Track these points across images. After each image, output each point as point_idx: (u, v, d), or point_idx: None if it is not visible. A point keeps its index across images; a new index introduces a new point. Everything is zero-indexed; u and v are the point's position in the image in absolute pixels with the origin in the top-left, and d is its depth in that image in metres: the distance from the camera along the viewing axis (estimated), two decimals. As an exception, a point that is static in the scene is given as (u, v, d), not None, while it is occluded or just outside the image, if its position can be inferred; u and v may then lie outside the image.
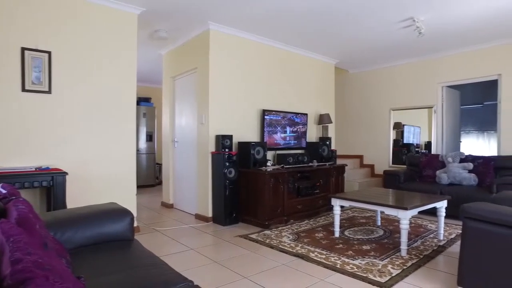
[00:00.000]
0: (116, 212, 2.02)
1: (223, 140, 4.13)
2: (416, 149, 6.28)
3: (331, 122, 5.64)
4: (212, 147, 4.27)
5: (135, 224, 3.69)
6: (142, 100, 7.54)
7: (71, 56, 3.28)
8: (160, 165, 7.32)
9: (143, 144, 7.47)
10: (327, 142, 5.25)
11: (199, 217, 4.42)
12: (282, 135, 4.94)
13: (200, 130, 4.44)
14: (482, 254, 1.98)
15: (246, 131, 4.63)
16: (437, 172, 4.81)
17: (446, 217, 3.53)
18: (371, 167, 6.69)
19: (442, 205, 3.38)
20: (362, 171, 6.55)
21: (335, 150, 5.48)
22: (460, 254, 2.09)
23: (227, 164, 4.08)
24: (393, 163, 6.37)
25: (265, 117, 4.70)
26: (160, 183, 7.38)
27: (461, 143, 6.79)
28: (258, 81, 4.81)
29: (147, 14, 3.85)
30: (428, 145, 6.03)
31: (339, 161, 5.68)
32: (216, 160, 4.18)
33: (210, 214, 4.29)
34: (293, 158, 4.66)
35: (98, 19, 3.46)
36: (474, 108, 8.01)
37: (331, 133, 5.92)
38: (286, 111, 5.03)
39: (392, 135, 6.44)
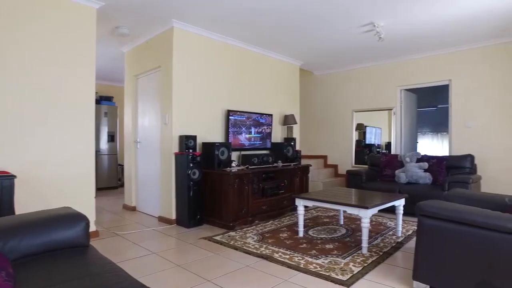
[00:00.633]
0: (69, 217, 1.90)
1: (187, 141, 4.05)
2: (377, 150, 6.53)
3: (296, 123, 5.72)
4: (175, 148, 4.17)
5: (94, 229, 3.52)
6: (103, 99, 7.21)
7: (23, 49, 3.04)
8: (122, 166, 7.04)
9: (104, 145, 7.13)
10: (292, 143, 5.31)
11: (163, 220, 4.30)
12: (247, 135, 4.93)
13: (163, 131, 4.31)
14: (435, 249, 2.08)
15: (211, 131, 4.58)
16: (396, 171, 5.02)
17: (404, 214, 3.68)
18: (335, 167, 6.86)
19: (400, 203, 3.53)
20: (326, 171, 6.70)
21: (300, 151, 5.56)
22: (415, 250, 2.19)
23: (191, 165, 4.00)
24: (355, 163, 6.57)
25: (230, 117, 4.66)
26: (122, 185, 7.10)
27: (418, 143, 7.17)
28: (223, 81, 4.76)
29: (107, 8, 3.68)
30: (388, 145, 6.29)
31: (304, 162, 5.78)
32: (179, 161, 4.09)
33: (173, 217, 4.18)
34: (258, 159, 4.67)
35: (53, 11, 3.24)
36: (429, 111, 8.50)
37: (296, 133, 6.00)
38: (251, 112, 5.02)
39: (355, 136, 6.65)
